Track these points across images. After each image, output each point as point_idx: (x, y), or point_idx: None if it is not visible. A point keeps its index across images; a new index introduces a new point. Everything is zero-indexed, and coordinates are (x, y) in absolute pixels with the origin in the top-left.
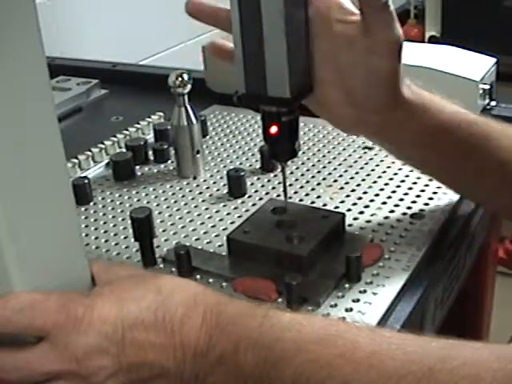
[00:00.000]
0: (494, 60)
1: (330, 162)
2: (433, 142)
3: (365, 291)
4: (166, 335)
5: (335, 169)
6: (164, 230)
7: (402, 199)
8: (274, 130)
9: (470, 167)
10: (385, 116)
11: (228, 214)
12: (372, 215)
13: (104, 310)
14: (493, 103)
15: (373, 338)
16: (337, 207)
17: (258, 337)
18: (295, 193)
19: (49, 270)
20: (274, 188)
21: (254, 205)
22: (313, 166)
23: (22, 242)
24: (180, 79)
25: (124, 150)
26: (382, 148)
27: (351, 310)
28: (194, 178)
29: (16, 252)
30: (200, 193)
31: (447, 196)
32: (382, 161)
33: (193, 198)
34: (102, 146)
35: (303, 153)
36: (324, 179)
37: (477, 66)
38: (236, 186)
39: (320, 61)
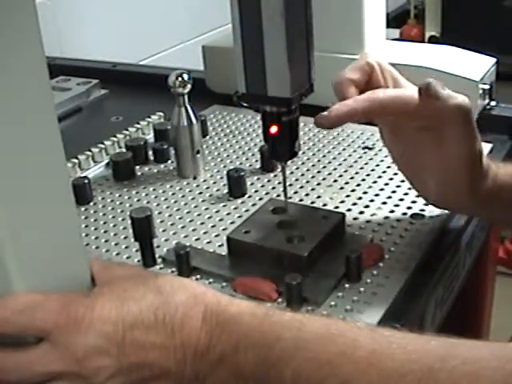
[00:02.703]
0: (493, 60)
1: (330, 162)
2: None
3: (365, 291)
4: (166, 335)
5: (335, 169)
6: (164, 230)
7: (402, 199)
8: (274, 129)
9: None
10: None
11: (228, 214)
12: (372, 215)
13: (104, 311)
14: (493, 103)
15: (373, 336)
16: (337, 207)
17: (259, 336)
18: (295, 193)
19: (49, 270)
20: (273, 188)
21: (254, 205)
22: (313, 166)
23: (21, 242)
24: (180, 79)
25: (124, 150)
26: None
27: (351, 310)
28: (194, 178)
29: (16, 252)
30: (200, 193)
31: None
32: (381, 161)
33: (193, 198)
34: (102, 146)
35: (303, 153)
36: (324, 179)
37: (477, 66)
38: (236, 186)
39: (402, 161)
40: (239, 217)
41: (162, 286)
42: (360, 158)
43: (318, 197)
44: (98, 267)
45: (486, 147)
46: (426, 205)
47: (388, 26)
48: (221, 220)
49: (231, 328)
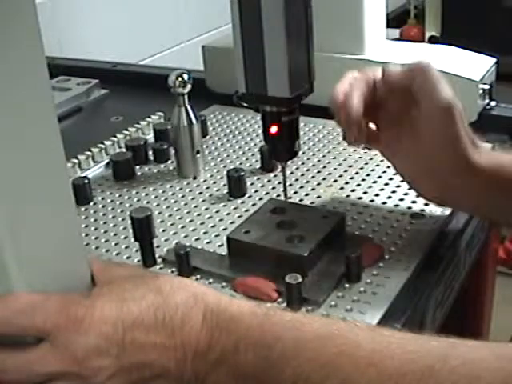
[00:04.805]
0: (493, 60)
1: (329, 162)
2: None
3: (365, 291)
4: (166, 335)
5: (335, 169)
6: (164, 230)
7: (402, 199)
8: (274, 129)
9: None
10: (462, 183)
11: (228, 214)
12: (372, 215)
13: (104, 311)
14: (493, 103)
15: (373, 336)
16: (337, 207)
17: (259, 336)
18: (295, 193)
19: (49, 270)
20: (274, 188)
21: (254, 205)
22: (313, 166)
23: (21, 243)
24: (180, 79)
25: (124, 150)
26: (473, 214)
27: (351, 310)
28: (194, 178)
29: (16, 252)
30: (200, 193)
31: None
32: (382, 161)
33: (193, 198)
34: (102, 146)
35: (303, 153)
36: (324, 179)
37: (477, 66)
38: (236, 186)
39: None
40: (239, 217)
41: (162, 286)
42: (360, 157)
43: (318, 197)
44: (98, 267)
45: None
46: (426, 204)
47: (388, 25)
48: (221, 220)
49: (231, 328)
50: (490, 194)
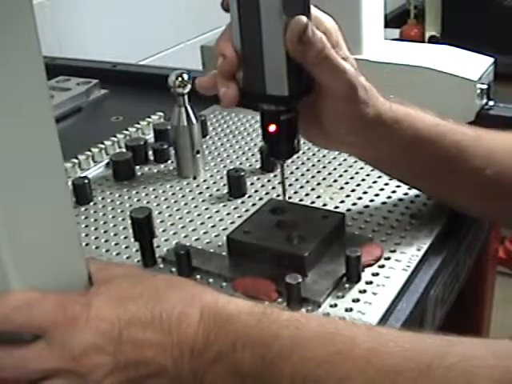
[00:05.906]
0: (491, 60)
1: (329, 162)
2: (408, 158)
3: (365, 291)
4: (163, 333)
5: (335, 169)
6: (164, 230)
7: (401, 199)
8: (272, 128)
9: (447, 178)
10: (361, 136)
11: (228, 214)
12: (372, 215)
13: (101, 309)
14: (491, 103)
15: (370, 335)
16: (337, 207)
17: (256, 334)
18: (295, 193)
19: (46, 269)
20: (273, 188)
21: (253, 205)
22: (313, 165)
23: (19, 242)
24: (180, 79)
25: (124, 150)
26: (367, 165)
27: (351, 310)
28: (194, 178)
29: (13, 252)
30: (200, 193)
31: None
32: None
33: (193, 198)
34: (102, 146)
35: (303, 153)
36: (324, 179)
37: (475, 65)
38: (236, 186)
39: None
40: (239, 217)
41: (159, 285)
42: None
43: (318, 197)
44: (96, 266)
45: None
46: (425, 205)
47: (388, 26)
48: (221, 220)
49: (228, 326)
50: (385, 148)
